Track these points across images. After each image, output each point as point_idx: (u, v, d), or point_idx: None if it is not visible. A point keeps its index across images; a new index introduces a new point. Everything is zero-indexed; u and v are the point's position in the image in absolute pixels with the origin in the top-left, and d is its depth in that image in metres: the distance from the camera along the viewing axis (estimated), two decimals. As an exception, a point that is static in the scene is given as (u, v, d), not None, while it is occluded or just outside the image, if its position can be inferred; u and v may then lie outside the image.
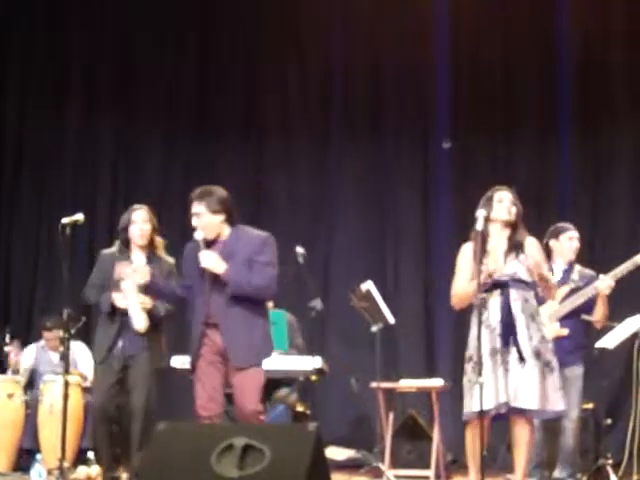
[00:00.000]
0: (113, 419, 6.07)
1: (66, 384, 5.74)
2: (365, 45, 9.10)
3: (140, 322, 5.91)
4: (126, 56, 9.27)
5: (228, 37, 9.25)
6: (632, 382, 6.59)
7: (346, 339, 8.53)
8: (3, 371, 7.68)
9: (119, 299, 5.91)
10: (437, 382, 7.07)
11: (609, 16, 8.73)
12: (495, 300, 5.14)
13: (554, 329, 6.03)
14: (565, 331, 6.09)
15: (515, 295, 5.14)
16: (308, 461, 3.84)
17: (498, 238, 5.22)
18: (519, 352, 5.03)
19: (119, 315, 5.95)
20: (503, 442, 5.37)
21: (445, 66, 8.89)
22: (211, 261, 5.12)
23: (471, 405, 5.01)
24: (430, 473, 6.88)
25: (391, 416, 7.11)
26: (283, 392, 7.22)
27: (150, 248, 6.05)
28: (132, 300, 5.91)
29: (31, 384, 7.61)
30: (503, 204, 5.24)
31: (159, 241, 6.12)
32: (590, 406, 6.81)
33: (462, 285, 5.17)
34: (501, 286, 5.13)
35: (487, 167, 8.64)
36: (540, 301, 5.53)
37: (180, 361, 6.83)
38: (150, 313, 5.95)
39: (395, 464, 7.09)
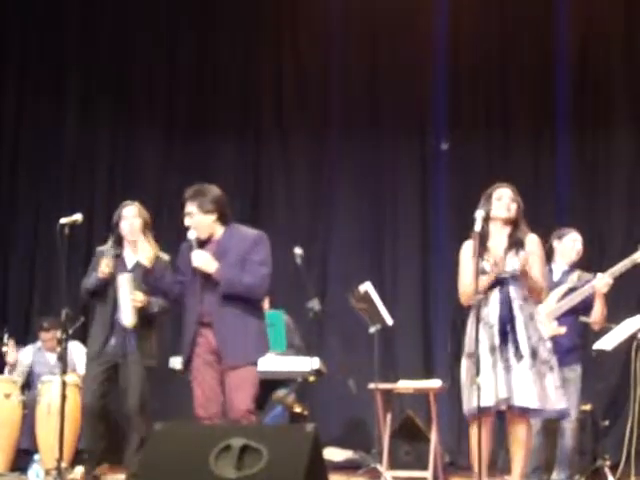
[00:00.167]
0: (102, 417, 6.09)
1: (64, 384, 5.74)
2: (363, 45, 9.09)
3: (128, 318, 5.94)
4: (124, 56, 9.26)
5: (226, 37, 9.24)
6: (630, 383, 6.59)
7: (344, 340, 8.54)
8: (1, 371, 7.68)
9: (105, 264, 5.93)
10: (435, 383, 7.06)
11: (607, 18, 8.74)
12: (494, 297, 5.14)
13: (552, 328, 6.02)
14: (563, 329, 6.08)
15: (514, 293, 5.14)
16: (306, 462, 3.83)
17: (498, 236, 5.21)
18: (516, 348, 5.03)
19: (111, 313, 6.00)
20: (502, 446, 5.35)
21: (443, 66, 8.89)
22: (202, 260, 5.12)
23: (472, 402, 4.99)
24: (428, 474, 6.88)
25: (389, 417, 7.11)
26: (281, 393, 7.22)
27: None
28: (124, 294, 5.93)
29: (28, 384, 7.60)
30: (502, 201, 5.22)
31: (151, 237, 6.12)
32: (588, 407, 6.82)
33: (469, 282, 5.13)
34: (501, 283, 5.13)
35: (484, 168, 8.64)
36: (536, 301, 5.53)
37: (179, 362, 6.81)
38: (143, 310, 5.97)
39: (393, 465, 7.08)
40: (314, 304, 6.78)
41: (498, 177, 5.49)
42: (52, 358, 7.66)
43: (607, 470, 6.59)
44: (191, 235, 5.19)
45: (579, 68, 8.79)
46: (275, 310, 7.54)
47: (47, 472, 6.64)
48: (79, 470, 6.34)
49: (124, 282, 5.96)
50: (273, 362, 6.87)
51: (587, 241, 6.60)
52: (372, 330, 7.08)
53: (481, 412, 4.88)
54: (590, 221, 8.37)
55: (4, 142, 9.22)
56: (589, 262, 6.62)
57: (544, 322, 5.59)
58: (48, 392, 6.99)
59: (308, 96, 9.22)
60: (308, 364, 6.99)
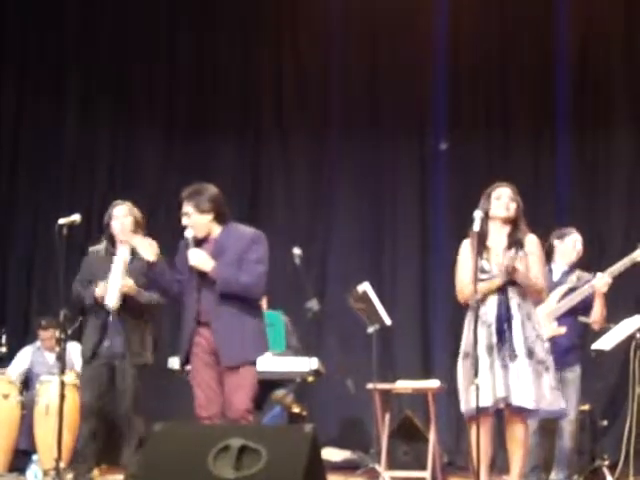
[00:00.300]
0: (100, 417, 6.10)
1: (62, 384, 5.75)
2: (363, 45, 9.09)
3: (112, 300, 5.97)
4: (124, 56, 9.26)
5: (226, 37, 9.24)
6: (628, 383, 6.60)
7: (343, 340, 8.53)
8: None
9: (101, 289, 5.95)
10: (433, 383, 7.06)
11: (607, 18, 8.74)
12: (492, 296, 5.13)
13: (552, 328, 6.03)
14: (563, 330, 6.08)
15: (512, 293, 5.13)
16: (304, 462, 3.83)
17: (497, 235, 5.21)
18: (512, 348, 5.02)
19: (104, 314, 6.00)
20: (502, 447, 5.35)
21: (443, 66, 8.89)
22: (198, 259, 5.11)
23: (470, 402, 4.99)
24: (426, 474, 6.88)
25: (387, 417, 7.11)
26: (279, 393, 7.22)
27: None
28: (116, 276, 5.96)
29: (27, 385, 7.60)
30: (501, 201, 5.21)
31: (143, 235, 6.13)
32: (586, 407, 6.82)
33: (468, 281, 5.12)
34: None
35: (484, 167, 8.63)
36: (536, 302, 5.53)
37: (178, 362, 6.81)
38: (130, 297, 5.97)
39: (391, 465, 7.09)
40: (313, 304, 6.78)
41: (498, 177, 5.49)
42: (51, 358, 7.66)
43: (606, 470, 6.59)
44: (188, 234, 5.19)
45: (579, 68, 8.78)
46: (274, 311, 7.54)
47: (45, 472, 6.64)
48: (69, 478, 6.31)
49: (118, 263, 5.99)
50: (272, 362, 6.87)
51: (587, 241, 6.60)
52: (371, 330, 7.08)
53: (479, 412, 4.88)
54: (590, 221, 8.37)
55: (4, 142, 9.22)
56: (589, 262, 6.62)
57: (544, 322, 5.59)
58: (46, 392, 7.00)
59: (308, 96, 9.22)
60: (307, 364, 6.99)
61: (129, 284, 6.00)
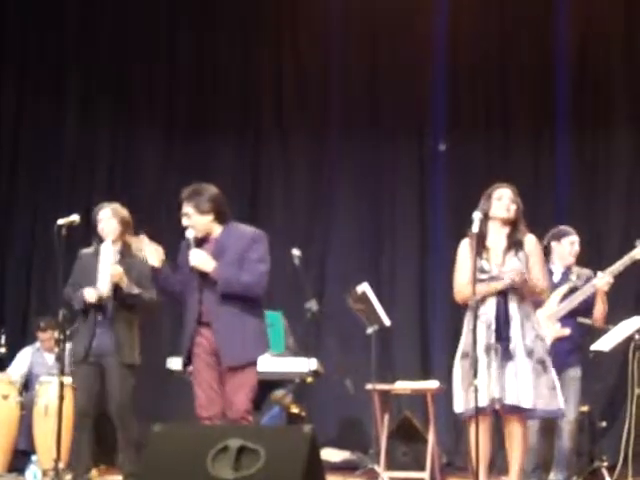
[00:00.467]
0: (95, 417, 6.09)
1: (61, 385, 5.74)
2: (363, 45, 9.09)
3: (104, 286, 5.96)
4: (124, 56, 9.26)
5: (226, 37, 9.24)
6: (627, 385, 6.59)
7: (342, 341, 8.53)
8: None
9: (90, 294, 5.94)
10: (432, 384, 7.07)
11: (607, 18, 8.74)
12: (491, 296, 5.13)
13: (555, 330, 6.02)
14: (567, 331, 6.07)
15: (511, 294, 5.13)
16: (303, 463, 3.83)
17: (497, 235, 5.21)
18: (509, 348, 5.02)
19: (93, 315, 5.99)
20: (501, 447, 5.35)
21: (442, 66, 8.89)
22: (200, 259, 5.11)
23: (468, 403, 4.99)
24: (425, 475, 6.89)
25: (386, 418, 7.11)
26: (278, 394, 7.23)
27: (123, 245, 6.11)
28: (105, 263, 5.98)
29: (26, 385, 7.60)
30: (502, 202, 5.21)
31: (131, 239, 6.12)
32: (586, 408, 6.81)
33: (466, 282, 5.12)
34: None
35: (484, 168, 8.63)
36: (538, 303, 5.53)
37: (177, 362, 6.82)
38: (119, 287, 5.97)
39: (390, 466, 7.09)
40: (312, 305, 6.79)
41: (498, 177, 5.49)
42: (50, 359, 7.65)
43: (605, 471, 6.59)
44: (189, 234, 5.18)
45: (579, 68, 8.78)
46: (273, 311, 7.53)
47: (44, 473, 6.63)
48: None
49: (107, 250, 6.01)
50: (271, 363, 6.86)
51: (586, 241, 6.61)
52: (370, 331, 7.08)
53: (477, 413, 4.88)
54: (589, 221, 8.37)
55: (4, 142, 9.22)
56: (588, 262, 6.61)
57: (547, 325, 5.59)
58: (45, 393, 6.99)
59: (308, 96, 9.22)
60: (306, 365, 6.99)
61: (117, 271, 5.97)
